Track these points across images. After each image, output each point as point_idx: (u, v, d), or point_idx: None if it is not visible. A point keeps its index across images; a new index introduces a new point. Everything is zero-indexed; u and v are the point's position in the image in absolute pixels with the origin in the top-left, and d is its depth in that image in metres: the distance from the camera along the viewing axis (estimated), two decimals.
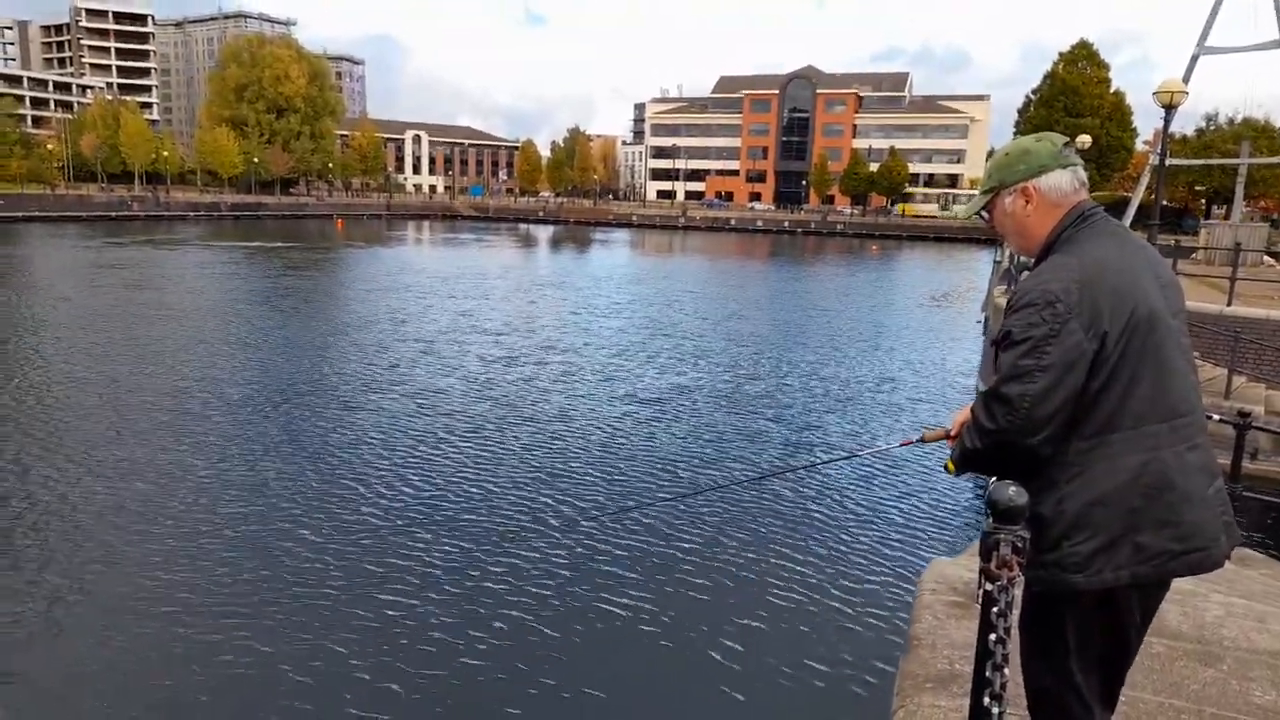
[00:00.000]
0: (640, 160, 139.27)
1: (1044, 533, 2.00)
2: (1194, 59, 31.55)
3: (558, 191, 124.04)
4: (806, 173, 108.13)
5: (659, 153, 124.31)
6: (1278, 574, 5.55)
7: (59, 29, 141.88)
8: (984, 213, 2.33)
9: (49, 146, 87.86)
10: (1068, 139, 2.26)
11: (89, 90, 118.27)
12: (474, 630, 6.93)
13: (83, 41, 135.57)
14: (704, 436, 12.80)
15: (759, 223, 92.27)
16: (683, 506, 9.64)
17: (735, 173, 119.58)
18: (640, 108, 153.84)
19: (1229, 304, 13.70)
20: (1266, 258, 26.98)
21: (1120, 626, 2.07)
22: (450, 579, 7.84)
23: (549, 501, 9.84)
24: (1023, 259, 2.34)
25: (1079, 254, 2.06)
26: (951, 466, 2.21)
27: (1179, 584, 4.06)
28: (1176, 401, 2.02)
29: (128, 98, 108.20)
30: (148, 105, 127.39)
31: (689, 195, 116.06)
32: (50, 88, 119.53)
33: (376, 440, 12.01)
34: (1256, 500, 6.48)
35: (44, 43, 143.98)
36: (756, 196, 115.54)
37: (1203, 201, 66.52)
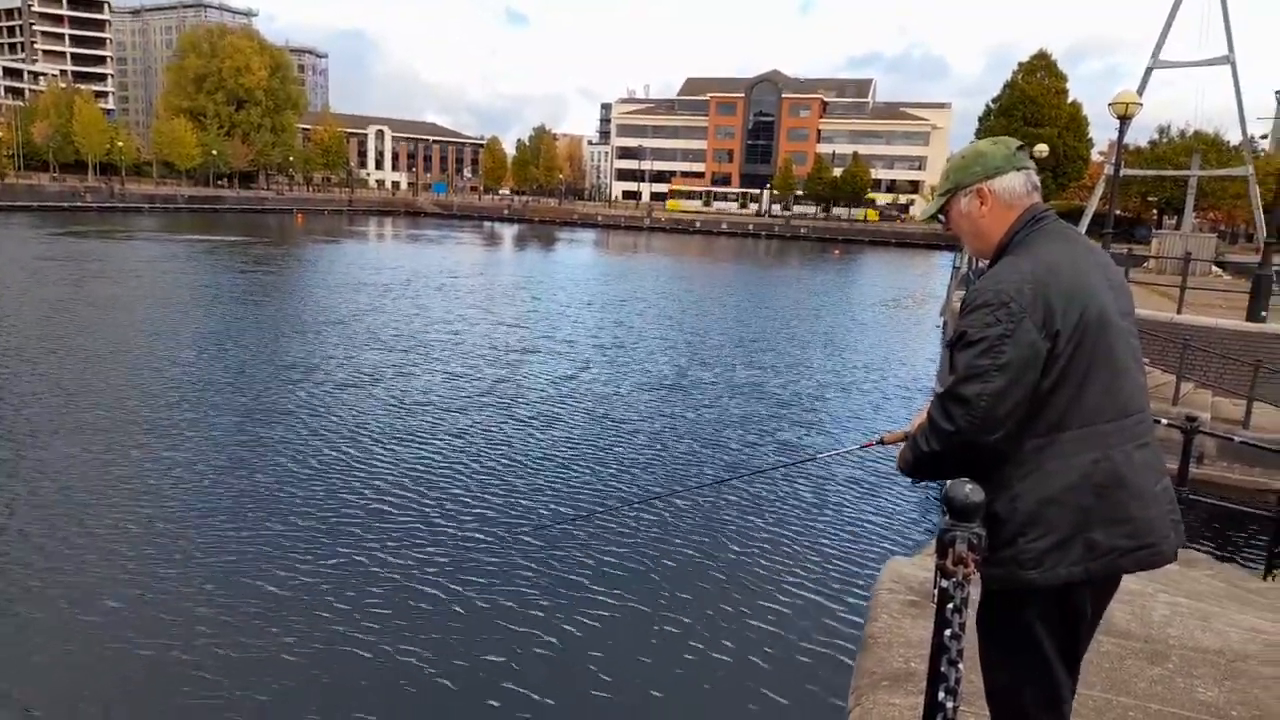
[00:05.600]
0: (606, 160, 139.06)
1: (998, 531, 2.03)
2: (1148, 72, 32.35)
3: (521, 190, 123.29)
4: (771, 176, 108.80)
5: (625, 153, 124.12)
6: (1221, 575, 5.70)
7: (10, 13, 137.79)
8: (940, 215, 2.36)
9: None
10: (1022, 143, 2.30)
11: (41, 77, 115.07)
12: (432, 632, 6.89)
13: (35, 27, 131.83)
14: (664, 440, 12.82)
15: (723, 225, 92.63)
16: (641, 511, 9.62)
17: (701, 174, 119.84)
18: (607, 108, 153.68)
19: (1179, 312, 14.04)
20: (1214, 268, 27.72)
21: (1073, 622, 2.11)
22: (405, 584, 7.78)
23: (501, 511, 9.76)
24: (982, 264, 2.37)
25: (1031, 255, 2.10)
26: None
27: (1127, 584, 4.16)
28: (1126, 401, 2.07)
29: (82, 86, 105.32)
30: (103, 94, 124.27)
31: (654, 196, 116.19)
32: (0, 74, 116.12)
33: (354, 439, 11.86)
34: (1202, 504, 6.66)
35: None
36: (722, 199, 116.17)
37: (1155, 212, 68.10)
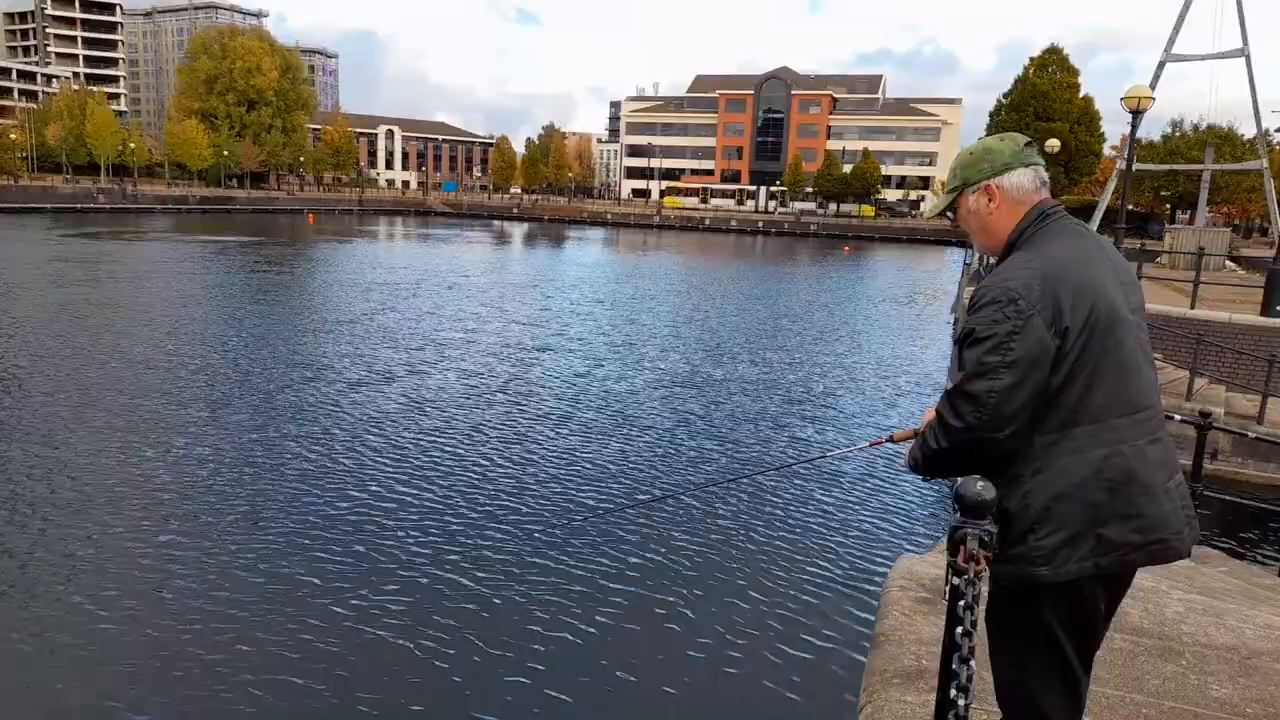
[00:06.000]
0: (615, 158, 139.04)
1: (1010, 527, 2.03)
2: (1161, 65, 32.13)
3: (531, 189, 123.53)
4: (781, 173, 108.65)
5: (634, 151, 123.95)
6: (1236, 571, 5.67)
7: (23, 16, 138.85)
8: (949, 212, 2.36)
9: (12, 136, 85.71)
10: (1029, 139, 2.29)
11: (55, 80, 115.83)
12: (449, 621, 6.92)
13: (48, 30, 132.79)
14: (676, 438, 12.81)
15: (733, 222, 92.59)
16: (652, 509, 9.63)
17: (710, 172, 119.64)
18: (616, 106, 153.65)
19: (1192, 307, 13.95)
20: (1228, 262, 27.55)
21: (1085, 617, 2.11)
22: (396, 585, 7.81)
23: (513, 510, 9.75)
24: (992, 261, 2.36)
25: (1040, 251, 2.10)
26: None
27: (1141, 580, 4.14)
28: (1136, 396, 2.06)
29: (95, 88, 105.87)
30: (115, 96, 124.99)
31: (663, 194, 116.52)
32: (14, 76, 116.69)
33: (372, 435, 11.92)
34: (1216, 499, 6.62)
35: (8, 30, 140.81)
36: (719, 195, 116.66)
37: (1168, 206, 67.69)
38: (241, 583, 7.56)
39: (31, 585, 7.44)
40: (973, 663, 1.85)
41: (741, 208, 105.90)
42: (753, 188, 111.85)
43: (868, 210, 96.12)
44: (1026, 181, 2.22)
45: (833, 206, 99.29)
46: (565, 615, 7.21)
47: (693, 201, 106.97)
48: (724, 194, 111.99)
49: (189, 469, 10.42)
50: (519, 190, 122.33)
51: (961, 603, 1.86)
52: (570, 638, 6.88)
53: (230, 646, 6.53)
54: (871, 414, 15.09)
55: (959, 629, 1.86)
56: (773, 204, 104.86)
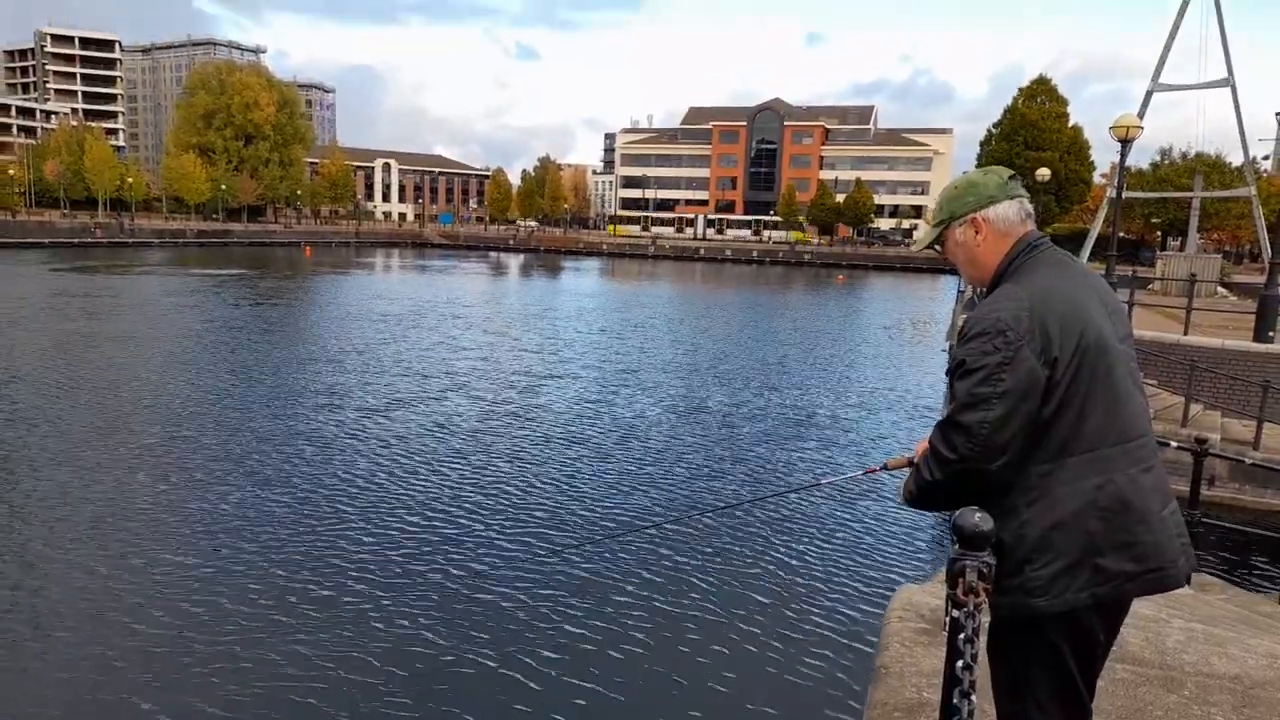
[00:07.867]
0: (610, 190, 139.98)
1: (1006, 558, 2.03)
2: (1148, 95, 32.50)
3: (536, 218, 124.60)
4: (774, 203, 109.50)
5: (629, 182, 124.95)
6: (1236, 599, 5.65)
7: (23, 54, 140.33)
8: (937, 245, 2.39)
9: (11, 172, 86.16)
10: (1013, 172, 2.34)
11: (53, 116, 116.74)
12: (449, 641, 6.89)
13: (48, 67, 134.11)
14: (668, 468, 12.76)
15: (727, 252, 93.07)
16: (646, 539, 9.58)
17: (704, 203, 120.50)
18: (611, 137, 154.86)
19: (1185, 333, 14.01)
20: (1220, 288, 27.72)
21: (1085, 647, 2.10)
22: (409, 608, 7.78)
23: (514, 538, 9.72)
24: (984, 290, 2.40)
25: (1027, 282, 2.12)
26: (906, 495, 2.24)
27: (1141, 610, 4.13)
28: (1127, 425, 2.07)
29: (93, 124, 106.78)
30: (114, 131, 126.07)
31: (655, 223, 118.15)
32: (13, 112, 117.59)
33: (389, 461, 12.00)
34: (1214, 526, 6.61)
35: (7, 68, 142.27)
36: (671, 224, 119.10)
37: (1158, 234, 68.17)
38: (272, 600, 7.70)
39: (80, 606, 7.57)
40: (974, 696, 1.84)
41: (680, 234, 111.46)
42: (691, 215, 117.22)
43: (798, 235, 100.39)
44: (1012, 214, 2.25)
45: (768, 233, 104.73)
46: (552, 645, 7.18)
47: (635, 229, 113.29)
48: (664, 222, 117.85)
49: (211, 492, 10.57)
50: (531, 223, 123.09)
51: (961, 635, 1.86)
52: (566, 659, 6.87)
53: (264, 659, 6.70)
54: (867, 442, 15.07)
55: (959, 662, 1.85)
56: (710, 230, 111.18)
